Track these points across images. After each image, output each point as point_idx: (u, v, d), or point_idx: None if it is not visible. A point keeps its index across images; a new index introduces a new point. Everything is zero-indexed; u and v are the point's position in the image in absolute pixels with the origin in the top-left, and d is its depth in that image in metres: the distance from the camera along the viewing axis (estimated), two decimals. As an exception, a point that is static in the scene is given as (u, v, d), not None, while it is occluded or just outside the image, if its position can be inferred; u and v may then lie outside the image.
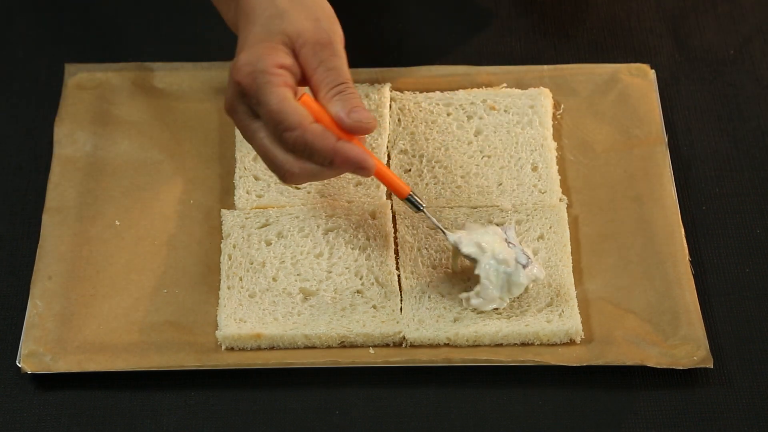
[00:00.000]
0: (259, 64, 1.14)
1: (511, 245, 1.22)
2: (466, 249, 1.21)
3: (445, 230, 1.23)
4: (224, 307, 1.22)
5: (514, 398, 1.19)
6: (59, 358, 1.19)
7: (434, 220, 1.23)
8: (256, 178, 1.31)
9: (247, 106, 1.15)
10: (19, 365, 1.19)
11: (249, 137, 1.17)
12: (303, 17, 1.17)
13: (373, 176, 1.18)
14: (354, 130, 1.15)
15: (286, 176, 1.16)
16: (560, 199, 1.30)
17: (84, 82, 1.37)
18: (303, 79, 1.17)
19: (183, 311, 1.23)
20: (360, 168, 1.16)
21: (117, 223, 1.28)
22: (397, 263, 1.26)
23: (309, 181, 1.22)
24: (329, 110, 1.15)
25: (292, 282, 1.24)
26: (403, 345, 1.21)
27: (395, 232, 1.28)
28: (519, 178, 1.31)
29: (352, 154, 1.14)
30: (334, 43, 1.17)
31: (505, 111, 1.35)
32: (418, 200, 1.22)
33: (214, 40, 1.43)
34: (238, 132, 1.34)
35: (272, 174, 1.30)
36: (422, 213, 1.22)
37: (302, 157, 1.15)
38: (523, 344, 1.20)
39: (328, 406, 1.19)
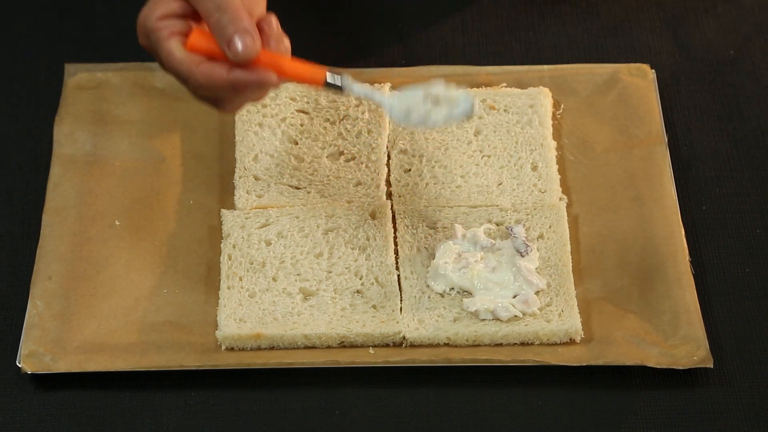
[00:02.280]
0: (147, 22, 1.18)
1: (514, 238, 1.24)
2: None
3: (376, 94, 1.22)
4: (224, 307, 1.22)
5: (514, 398, 1.19)
6: (59, 358, 1.19)
7: (362, 88, 1.21)
8: (256, 178, 1.31)
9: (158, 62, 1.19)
10: (19, 365, 1.19)
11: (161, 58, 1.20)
12: None
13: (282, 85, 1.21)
14: (238, 62, 1.15)
15: (219, 107, 1.20)
16: (560, 199, 1.30)
17: (84, 82, 1.37)
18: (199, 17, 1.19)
19: (183, 311, 1.23)
20: (262, 85, 1.16)
21: (117, 223, 1.28)
22: (397, 263, 1.26)
23: (247, 102, 1.22)
24: (217, 42, 1.16)
25: (292, 282, 1.24)
26: (403, 345, 1.21)
27: (395, 232, 1.28)
28: (519, 178, 1.31)
29: (247, 79, 1.15)
30: None
31: (505, 110, 1.35)
32: (336, 78, 1.20)
33: (214, 40, 1.43)
34: (238, 132, 1.34)
35: (272, 174, 1.31)
36: (345, 93, 1.21)
37: (212, 94, 1.18)
38: (523, 344, 1.20)
39: (328, 406, 1.19)
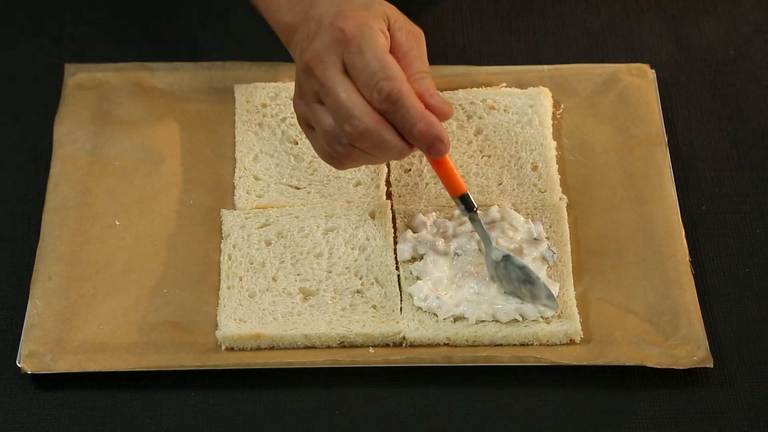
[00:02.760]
0: (368, 20, 1.15)
1: (537, 240, 1.24)
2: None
3: (491, 242, 1.23)
4: (224, 307, 1.22)
5: (514, 398, 1.19)
6: (59, 358, 1.19)
7: (483, 226, 1.23)
8: (256, 178, 1.31)
9: (338, 56, 1.15)
10: (19, 365, 1.19)
11: (325, 90, 1.15)
12: (395, 9, 1.20)
13: (430, 163, 1.20)
14: (434, 109, 1.15)
15: (358, 130, 1.13)
16: (560, 199, 1.30)
17: (84, 82, 1.37)
18: None
19: (183, 311, 1.23)
20: (438, 141, 1.14)
21: (117, 223, 1.28)
22: (397, 263, 1.26)
23: (360, 157, 1.17)
24: (415, 88, 1.15)
25: (292, 282, 1.24)
26: (403, 345, 1.21)
27: (395, 232, 1.28)
28: (519, 178, 1.31)
29: (436, 123, 1.14)
30: (423, 39, 1.19)
31: (505, 110, 1.35)
32: (472, 201, 1.21)
33: (214, 40, 1.43)
34: (238, 132, 1.34)
35: (272, 174, 1.30)
36: (473, 215, 1.21)
37: (387, 113, 1.14)
38: (523, 344, 1.20)
39: (328, 406, 1.19)
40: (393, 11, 1.19)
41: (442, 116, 1.15)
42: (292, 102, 1.35)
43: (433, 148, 1.15)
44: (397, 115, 1.13)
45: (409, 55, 1.17)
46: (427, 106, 1.15)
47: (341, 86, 1.14)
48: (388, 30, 1.17)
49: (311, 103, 1.17)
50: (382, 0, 1.19)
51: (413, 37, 1.18)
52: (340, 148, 1.16)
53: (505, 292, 1.21)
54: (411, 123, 1.13)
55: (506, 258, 1.21)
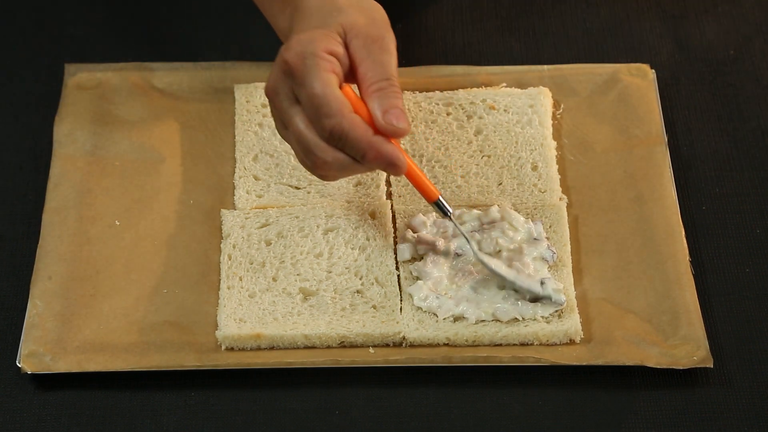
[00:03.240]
0: (310, 47, 1.14)
1: (537, 240, 1.24)
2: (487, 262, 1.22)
3: (470, 241, 1.23)
4: (224, 307, 1.22)
5: (514, 398, 1.19)
6: (59, 358, 1.19)
7: (460, 228, 1.23)
8: (256, 178, 1.31)
9: (289, 88, 1.15)
10: (19, 365, 1.19)
11: (285, 121, 1.17)
12: (359, 14, 1.18)
13: (401, 177, 1.20)
14: (385, 132, 1.15)
15: (317, 164, 1.16)
16: (560, 199, 1.30)
17: (84, 82, 1.37)
18: (350, 74, 1.17)
19: (183, 311, 1.23)
20: (391, 165, 1.16)
21: (117, 223, 1.28)
22: (396, 263, 1.26)
23: (338, 176, 1.20)
24: (368, 105, 1.15)
25: (292, 282, 1.24)
26: (403, 345, 1.21)
27: (395, 232, 1.28)
28: (519, 178, 1.31)
29: (385, 150, 1.14)
30: (385, 40, 1.18)
31: (505, 110, 1.35)
32: (446, 205, 1.22)
33: (214, 41, 1.43)
34: (238, 132, 1.34)
35: (272, 174, 1.31)
36: (449, 219, 1.22)
37: (337, 147, 1.15)
38: (523, 344, 1.20)
39: (328, 406, 1.19)
40: (352, 18, 1.17)
41: (394, 136, 1.16)
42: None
43: (389, 171, 1.17)
44: (345, 148, 1.15)
45: (366, 64, 1.16)
46: (378, 127, 1.15)
47: (296, 119, 1.16)
48: (345, 41, 1.17)
49: (280, 128, 1.19)
50: (342, 9, 1.18)
51: (372, 42, 1.17)
52: (314, 171, 1.18)
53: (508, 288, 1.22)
54: (360, 154, 1.15)
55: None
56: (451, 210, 1.22)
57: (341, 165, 1.16)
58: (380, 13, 1.20)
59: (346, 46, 1.17)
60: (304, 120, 1.15)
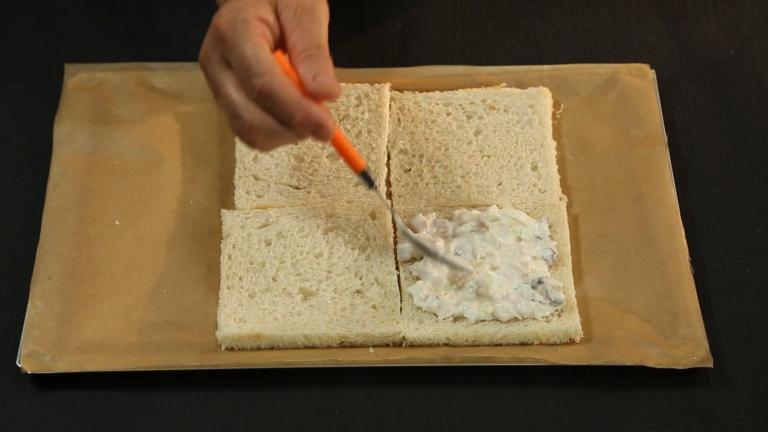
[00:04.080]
0: (241, 13, 1.15)
1: (540, 239, 1.24)
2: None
3: (395, 214, 1.24)
4: (224, 307, 1.22)
5: (514, 398, 1.19)
6: (59, 358, 1.19)
7: (385, 200, 1.24)
8: (256, 178, 1.31)
9: (220, 54, 1.16)
10: (19, 365, 1.19)
11: (216, 87, 1.17)
12: None
13: (330, 144, 1.19)
14: (316, 94, 1.15)
15: (244, 127, 1.15)
16: (560, 199, 1.30)
17: (84, 82, 1.37)
18: (282, 44, 1.17)
19: (183, 311, 1.23)
20: (319, 128, 1.15)
21: (117, 223, 1.28)
22: (396, 263, 1.26)
23: (267, 144, 1.19)
24: (298, 71, 1.15)
25: (292, 282, 1.24)
26: (403, 345, 1.21)
27: (395, 232, 1.28)
28: (519, 178, 1.31)
29: (314, 111, 1.14)
30: (315, 10, 1.18)
31: (505, 110, 1.36)
32: (372, 177, 1.22)
33: (214, 40, 1.43)
34: (238, 132, 1.34)
35: (272, 174, 1.31)
36: (374, 190, 1.22)
37: (265, 108, 1.14)
38: (523, 344, 1.20)
39: (328, 406, 1.19)
40: None
41: (325, 98, 1.15)
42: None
43: (317, 135, 1.16)
44: (274, 109, 1.14)
45: (296, 33, 1.16)
46: (309, 90, 1.15)
47: (225, 84, 1.15)
48: (276, 11, 1.17)
49: (215, 97, 1.19)
50: None
51: (302, 12, 1.17)
52: (243, 137, 1.18)
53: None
54: (288, 115, 1.14)
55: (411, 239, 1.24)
56: (376, 182, 1.22)
57: (269, 129, 1.15)
58: None
59: (278, 16, 1.17)
60: (234, 83, 1.15)
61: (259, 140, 1.17)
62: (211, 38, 1.16)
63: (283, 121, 1.14)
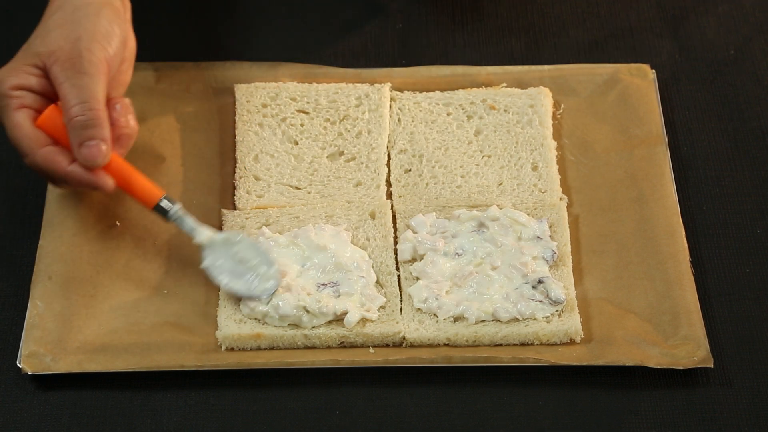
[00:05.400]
0: (1, 86, 1.18)
1: (540, 239, 1.24)
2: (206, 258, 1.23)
3: (197, 230, 1.23)
4: (224, 308, 1.22)
5: (514, 398, 1.19)
6: (59, 359, 1.19)
7: (190, 222, 1.23)
8: (257, 178, 1.31)
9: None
10: (20, 366, 1.19)
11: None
12: (62, 37, 1.19)
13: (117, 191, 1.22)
14: (82, 164, 1.18)
15: (51, 183, 1.23)
16: (560, 199, 1.30)
17: (83, 83, 1.37)
18: (57, 96, 1.20)
19: (183, 312, 1.23)
20: (97, 189, 1.19)
21: (117, 223, 1.28)
22: (397, 263, 1.26)
23: (76, 187, 1.23)
24: (68, 137, 1.18)
25: (292, 282, 1.24)
26: (403, 345, 1.21)
27: (395, 232, 1.28)
28: (519, 178, 1.31)
29: (85, 178, 1.18)
30: (83, 61, 1.18)
31: (505, 110, 1.35)
32: (167, 206, 1.22)
33: (214, 40, 1.43)
34: (238, 132, 1.34)
35: (273, 174, 1.31)
36: (172, 222, 1.23)
37: (45, 176, 1.20)
38: (523, 344, 1.20)
39: (328, 406, 1.19)
40: (50, 45, 1.19)
41: (91, 167, 1.18)
42: (292, 102, 1.36)
43: (99, 188, 1.19)
44: (49, 178, 1.20)
45: (64, 87, 1.18)
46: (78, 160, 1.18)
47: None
48: (44, 71, 1.19)
49: None
50: (48, 34, 1.20)
51: (70, 66, 1.18)
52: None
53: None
54: (61, 181, 1.20)
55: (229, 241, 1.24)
56: (173, 208, 1.22)
57: (60, 182, 1.20)
58: (93, 31, 1.20)
59: (48, 72, 1.19)
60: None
61: (67, 186, 1.23)
62: None
63: (63, 184, 1.20)
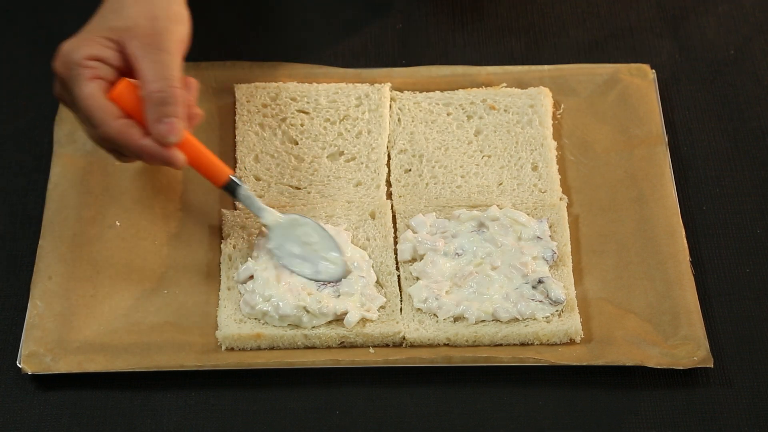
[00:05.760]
0: (74, 55, 1.17)
1: (540, 239, 1.24)
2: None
3: (264, 211, 1.23)
4: (224, 308, 1.22)
5: (514, 398, 1.19)
6: (59, 359, 1.19)
7: (257, 203, 1.23)
8: (257, 178, 1.31)
9: (67, 95, 1.19)
10: (20, 366, 1.19)
11: (80, 121, 1.20)
12: (140, 14, 1.18)
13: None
14: (156, 140, 1.17)
15: (115, 156, 1.21)
16: (560, 199, 1.30)
17: (84, 83, 1.37)
18: (130, 72, 1.18)
19: (183, 312, 1.23)
20: (168, 165, 1.18)
21: (117, 223, 1.28)
22: (397, 263, 1.26)
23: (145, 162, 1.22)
24: (144, 111, 1.17)
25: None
26: (403, 345, 1.21)
27: (395, 232, 1.28)
28: (519, 178, 1.31)
29: (157, 153, 1.17)
30: (163, 39, 1.18)
31: (505, 110, 1.35)
32: (235, 183, 1.22)
33: (214, 40, 1.43)
34: (238, 132, 1.34)
35: (273, 174, 1.31)
36: (241, 200, 1.23)
37: (115, 147, 1.19)
38: (523, 344, 1.20)
39: (328, 406, 1.19)
40: (127, 20, 1.18)
41: (163, 145, 1.17)
42: (292, 102, 1.36)
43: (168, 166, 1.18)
44: (120, 150, 1.18)
45: (142, 64, 1.17)
46: (151, 135, 1.17)
47: (79, 116, 1.19)
48: (120, 45, 1.18)
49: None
50: (122, 9, 1.19)
51: (148, 42, 1.17)
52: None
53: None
54: (134, 155, 1.18)
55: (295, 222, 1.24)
56: (242, 186, 1.22)
57: (129, 156, 1.19)
58: (167, 10, 1.20)
59: (124, 46, 1.17)
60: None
61: (130, 159, 1.21)
62: (56, 79, 1.19)
63: (133, 157, 1.19)
